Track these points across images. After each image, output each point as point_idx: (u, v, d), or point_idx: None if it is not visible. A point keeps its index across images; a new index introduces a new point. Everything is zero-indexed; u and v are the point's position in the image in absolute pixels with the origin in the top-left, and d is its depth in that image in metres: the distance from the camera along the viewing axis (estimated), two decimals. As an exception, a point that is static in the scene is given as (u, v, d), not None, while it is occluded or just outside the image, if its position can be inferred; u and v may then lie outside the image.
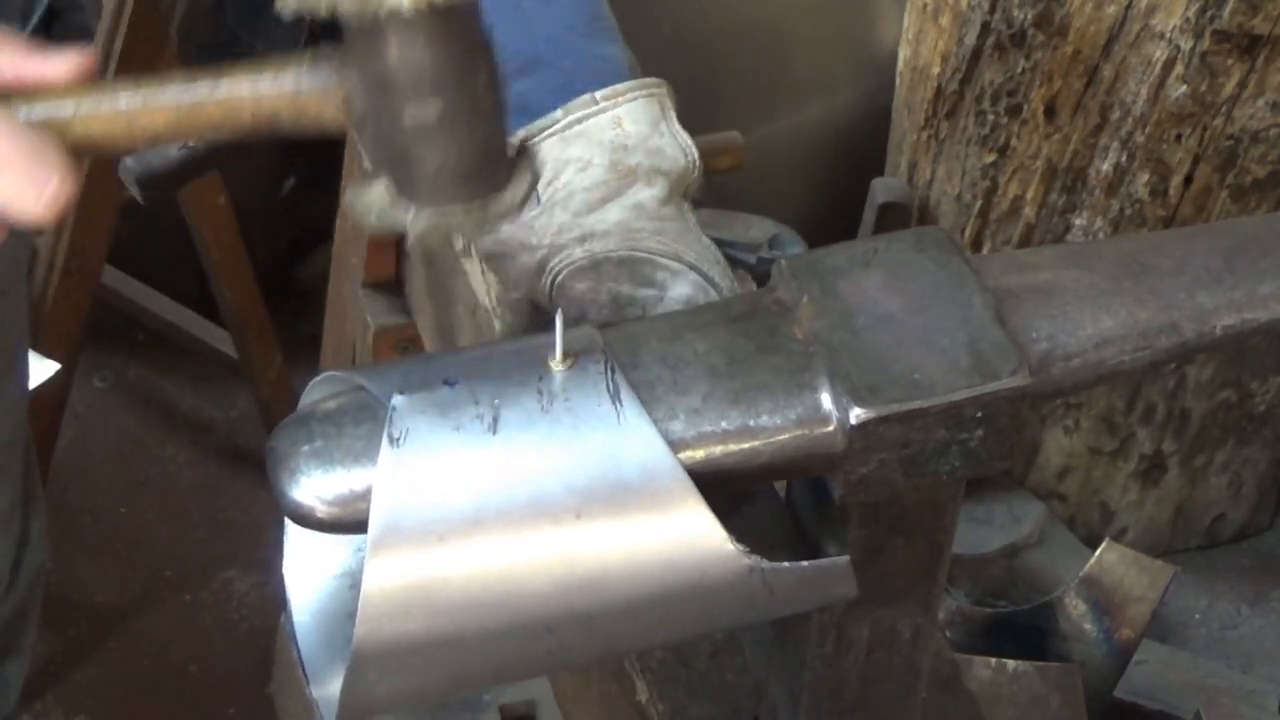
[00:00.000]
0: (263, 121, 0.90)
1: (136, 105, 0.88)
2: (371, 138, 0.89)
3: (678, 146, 1.13)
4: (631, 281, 1.09)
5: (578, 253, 1.10)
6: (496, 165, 0.90)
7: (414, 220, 0.89)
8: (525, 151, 0.92)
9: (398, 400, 0.88)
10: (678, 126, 1.15)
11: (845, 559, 0.94)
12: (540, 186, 1.11)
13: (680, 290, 1.09)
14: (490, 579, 0.88)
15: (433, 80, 0.86)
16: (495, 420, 0.88)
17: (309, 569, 0.99)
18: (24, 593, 1.72)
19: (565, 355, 0.90)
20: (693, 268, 1.09)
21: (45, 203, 0.85)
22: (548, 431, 0.88)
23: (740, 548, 0.89)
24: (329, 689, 0.93)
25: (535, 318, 1.15)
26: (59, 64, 0.88)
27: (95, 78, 0.89)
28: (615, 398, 0.89)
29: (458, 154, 0.88)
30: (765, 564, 0.90)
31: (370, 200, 0.90)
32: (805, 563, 0.93)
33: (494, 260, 1.18)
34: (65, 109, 0.87)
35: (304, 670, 0.95)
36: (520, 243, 1.13)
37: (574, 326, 0.93)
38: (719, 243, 1.14)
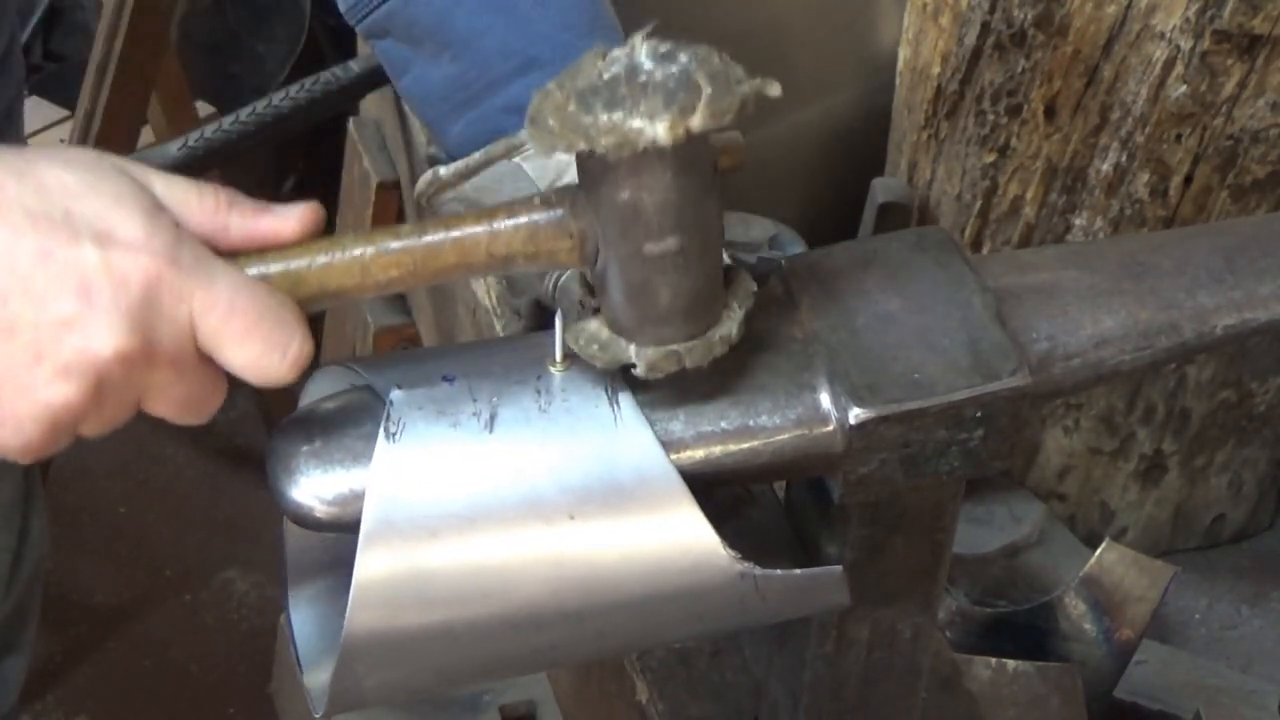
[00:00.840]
0: (498, 262, 0.89)
1: (370, 253, 0.87)
2: (602, 274, 0.88)
3: None
4: None
5: None
6: (717, 295, 0.90)
7: (638, 356, 0.88)
8: (737, 278, 0.92)
9: (395, 395, 0.88)
10: None
11: (838, 568, 0.94)
12: (543, 188, 1.11)
13: None
14: (481, 576, 0.87)
15: (675, 213, 0.85)
16: (492, 418, 0.88)
17: (310, 558, 0.99)
18: (24, 588, 1.72)
19: (565, 356, 0.90)
20: None
21: (287, 366, 0.84)
22: (544, 431, 0.88)
23: (732, 554, 0.89)
24: (321, 677, 0.92)
25: (540, 318, 1.15)
26: (288, 220, 0.87)
27: (322, 229, 0.88)
28: (613, 400, 0.89)
29: (690, 288, 0.87)
30: (757, 570, 0.90)
31: (589, 335, 0.89)
32: (798, 570, 0.92)
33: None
34: (300, 262, 0.87)
35: (297, 657, 0.95)
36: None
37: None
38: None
